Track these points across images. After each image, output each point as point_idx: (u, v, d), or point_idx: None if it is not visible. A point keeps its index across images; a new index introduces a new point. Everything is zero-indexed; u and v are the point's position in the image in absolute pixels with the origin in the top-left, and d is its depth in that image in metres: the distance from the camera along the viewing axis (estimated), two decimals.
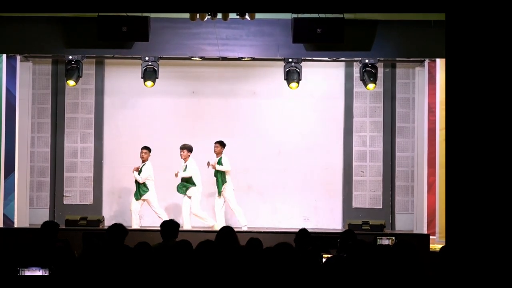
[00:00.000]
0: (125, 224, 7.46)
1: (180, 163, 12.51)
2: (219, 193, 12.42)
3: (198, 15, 10.57)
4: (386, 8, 9.38)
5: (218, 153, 12.45)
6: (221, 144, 12.48)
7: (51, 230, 7.54)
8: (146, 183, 12.38)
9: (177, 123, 13.60)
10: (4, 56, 12.12)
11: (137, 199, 12.42)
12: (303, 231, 7.90)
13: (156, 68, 12.07)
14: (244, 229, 12.13)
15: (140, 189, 12.38)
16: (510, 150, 6.05)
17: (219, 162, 12.38)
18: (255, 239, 6.89)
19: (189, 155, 12.43)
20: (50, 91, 13.53)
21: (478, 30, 6.21)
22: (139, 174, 12.35)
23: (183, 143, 12.49)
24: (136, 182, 12.39)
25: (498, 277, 5.80)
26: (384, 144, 13.56)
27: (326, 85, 13.60)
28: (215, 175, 12.43)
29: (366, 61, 12.07)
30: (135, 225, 12.24)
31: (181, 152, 12.42)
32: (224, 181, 12.41)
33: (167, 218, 9.90)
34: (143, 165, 12.41)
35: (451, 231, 6.17)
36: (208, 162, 12.37)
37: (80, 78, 12.31)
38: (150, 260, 6.09)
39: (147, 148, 12.49)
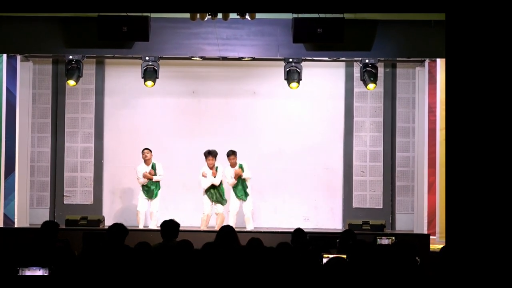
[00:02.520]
0: (125, 224, 7.45)
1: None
2: (246, 197, 12.42)
3: (198, 15, 10.57)
4: (386, 8, 9.38)
5: (235, 164, 12.39)
6: (235, 153, 12.39)
7: (51, 230, 7.53)
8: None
9: (177, 123, 13.59)
10: (4, 56, 12.12)
11: (154, 197, 12.40)
12: (299, 230, 7.90)
13: (156, 68, 12.07)
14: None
15: (158, 187, 12.38)
16: (510, 150, 6.05)
17: (242, 169, 12.37)
18: (255, 239, 6.88)
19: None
20: (50, 91, 13.53)
21: (478, 30, 6.21)
22: (155, 174, 12.32)
23: (211, 150, 12.35)
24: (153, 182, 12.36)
25: (498, 277, 5.80)
26: (384, 144, 13.55)
27: (326, 85, 13.60)
28: (239, 182, 12.40)
29: (367, 61, 12.07)
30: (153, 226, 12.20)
31: (213, 160, 12.29)
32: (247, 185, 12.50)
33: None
34: (155, 164, 12.36)
35: (451, 231, 6.17)
36: (236, 172, 12.31)
37: (80, 78, 12.32)
38: (150, 260, 6.08)
39: (149, 149, 12.44)
